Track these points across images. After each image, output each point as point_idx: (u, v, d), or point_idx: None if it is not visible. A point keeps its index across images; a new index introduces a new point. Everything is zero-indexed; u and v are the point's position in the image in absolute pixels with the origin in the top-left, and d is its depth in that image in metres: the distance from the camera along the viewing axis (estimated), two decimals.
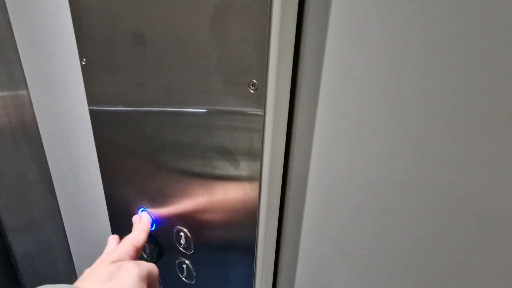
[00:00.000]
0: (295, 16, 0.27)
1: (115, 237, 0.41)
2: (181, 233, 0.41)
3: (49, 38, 0.58)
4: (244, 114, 0.29)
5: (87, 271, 0.32)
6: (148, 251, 0.47)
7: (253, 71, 0.27)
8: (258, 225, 0.33)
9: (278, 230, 0.37)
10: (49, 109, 0.69)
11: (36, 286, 0.26)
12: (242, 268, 0.37)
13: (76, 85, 0.57)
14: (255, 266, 0.35)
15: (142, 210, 0.45)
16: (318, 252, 0.35)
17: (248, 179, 0.31)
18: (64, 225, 0.85)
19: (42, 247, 0.83)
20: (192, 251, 0.41)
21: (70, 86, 0.60)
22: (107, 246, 0.39)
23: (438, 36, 0.21)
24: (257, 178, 0.31)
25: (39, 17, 0.58)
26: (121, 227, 0.52)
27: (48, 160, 0.78)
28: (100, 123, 0.47)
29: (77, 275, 0.92)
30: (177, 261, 0.44)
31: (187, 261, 0.43)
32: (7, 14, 0.65)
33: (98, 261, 0.34)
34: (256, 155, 0.30)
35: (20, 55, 0.69)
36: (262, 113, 0.28)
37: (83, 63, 0.44)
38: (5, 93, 0.69)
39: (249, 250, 0.35)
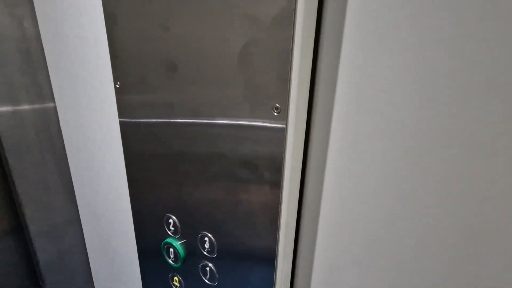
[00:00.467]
0: (311, 52, 0.32)
1: None
2: (206, 238, 0.45)
3: (78, 57, 0.64)
4: (268, 129, 0.34)
5: None
6: (172, 256, 0.51)
7: (276, 97, 0.32)
8: (279, 230, 0.37)
9: (295, 235, 0.41)
10: (75, 123, 0.75)
11: None
12: (262, 270, 0.41)
13: (102, 101, 0.63)
14: (276, 269, 0.40)
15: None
16: (332, 256, 0.39)
17: (270, 187, 0.36)
18: (84, 233, 0.89)
19: (63, 254, 0.87)
20: (215, 255, 0.45)
21: (97, 103, 0.65)
22: None
23: (472, 34, 0.26)
24: (278, 185, 0.35)
25: (71, 37, 0.64)
26: (146, 232, 0.56)
27: (71, 171, 0.83)
28: (131, 135, 0.52)
29: (94, 283, 0.96)
30: (200, 264, 0.48)
31: (210, 264, 0.47)
32: (38, 28, 0.71)
33: None
34: (277, 166, 0.35)
35: (50, 72, 0.74)
36: (284, 128, 0.33)
37: (117, 86, 0.49)
38: (35, 106, 0.74)
39: (270, 253, 0.39)
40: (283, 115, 0.32)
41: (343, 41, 0.31)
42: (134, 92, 0.47)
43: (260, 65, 0.32)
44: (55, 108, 0.77)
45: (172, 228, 0.50)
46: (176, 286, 0.54)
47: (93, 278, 0.95)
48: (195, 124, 0.41)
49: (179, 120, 0.43)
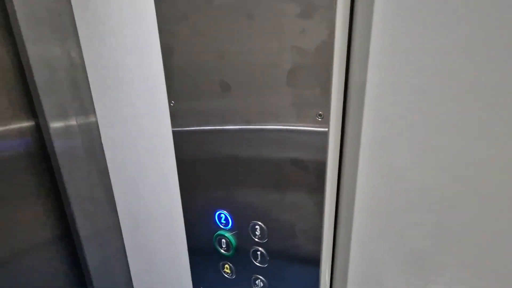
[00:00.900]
0: (344, 72, 0.42)
1: None
2: (257, 226, 0.54)
3: (124, 74, 0.74)
4: (312, 133, 0.44)
5: None
6: (224, 246, 0.60)
7: (319, 106, 0.42)
8: (323, 215, 0.46)
9: (335, 217, 0.50)
10: (116, 139, 0.84)
11: None
12: (309, 249, 0.50)
13: (144, 114, 0.72)
14: (322, 245, 0.49)
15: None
16: (368, 252, 0.48)
17: (315, 178, 0.45)
18: (124, 239, 0.98)
19: (106, 262, 0.95)
20: (266, 240, 0.54)
21: (139, 116, 0.74)
22: None
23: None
24: (322, 177, 0.45)
25: (113, 63, 0.74)
26: (197, 229, 0.65)
27: (112, 183, 0.92)
28: (184, 143, 0.61)
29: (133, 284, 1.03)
30: (252, 250, 0.57)
31: (261, 249, 0.56)
32: (83, 57, 0.80)
33: None
34: (321, 161, 0.44)
35: (92, 92, 0.84)
36: (326, 131, 0.42)
37: (171, 105, 0.59)
38: (80, 121, 0.83)
39: (315, 233, 0.48)
40: (325, 120, 0.42)
41: (368, 69, 0.40)
42: (188, 109, 0.57)
43: (306, 82, 0.42)
44: (97, 124, 0.86)
45: (224, 222, 0.59)
46: (227, 273, 0.63)
47: (133, 279, 1.03)
48: (247, 130, 0.50)
49: (231, 127, 0.52)
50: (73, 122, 0.82)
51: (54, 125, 0.79)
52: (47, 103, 0.76)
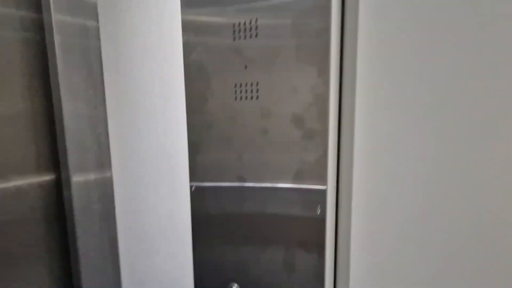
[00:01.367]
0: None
1: None
2: None
3: (143, 134, 0.84)
4: (313, 220, 0.57)
5: None
6: None
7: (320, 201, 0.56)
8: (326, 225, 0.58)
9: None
10: (129, 199, 0.91)
11: None
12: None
13: (159, 165, 0.82)
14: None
15: None
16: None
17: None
18: None
19: None
20: None
21: (153, 169, 0.84)
22: None
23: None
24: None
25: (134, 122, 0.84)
26: None
27: (118, 239, 0.97)
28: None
29: None
30: None
31: None
32: (106, 111, 0.90)
33: None
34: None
35: (111, 147, 0.93)
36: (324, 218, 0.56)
37: (192, 190, 0.71)
38: (97, 177, 0.89)
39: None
40: (323, 212, 0.56)
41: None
42: (207, 195, 0.69)
43: (309, 180, 0.56)
44: (111, 178, 0.93)
45: None
46: None
47: None
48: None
49: (246, 212, 0.64)
50: (91, 175, 0.88)
51: (76, 179, 0.84)
52: (73, 157, 0.84)
